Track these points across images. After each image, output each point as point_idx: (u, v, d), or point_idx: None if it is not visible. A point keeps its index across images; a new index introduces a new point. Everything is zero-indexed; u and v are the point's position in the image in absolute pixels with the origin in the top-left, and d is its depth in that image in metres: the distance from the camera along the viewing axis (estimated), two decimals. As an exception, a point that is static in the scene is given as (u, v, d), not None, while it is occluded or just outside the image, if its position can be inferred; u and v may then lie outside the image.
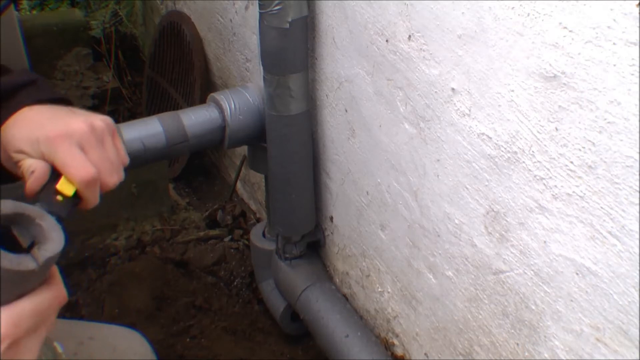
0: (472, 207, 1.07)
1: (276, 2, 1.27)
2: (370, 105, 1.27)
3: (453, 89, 1.03)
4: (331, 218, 1.58)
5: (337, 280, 1.65)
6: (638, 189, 0.77)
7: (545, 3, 0.82)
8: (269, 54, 1.35)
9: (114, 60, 2.68)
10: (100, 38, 2.72)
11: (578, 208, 0.87)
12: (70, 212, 0.72)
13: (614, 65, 0.75)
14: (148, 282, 1.85)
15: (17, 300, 0.59)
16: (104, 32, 2.74)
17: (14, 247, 0.61)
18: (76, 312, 1.80)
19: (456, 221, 1.12)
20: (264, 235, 1.75)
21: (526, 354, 1.04)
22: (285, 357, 1.73)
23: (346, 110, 1.36)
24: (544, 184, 0.91)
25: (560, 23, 0.81)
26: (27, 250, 0.61)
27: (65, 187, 0.72)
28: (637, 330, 0.83)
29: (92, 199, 0.74)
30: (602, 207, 0.83)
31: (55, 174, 0.72)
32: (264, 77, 1.40)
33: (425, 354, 1.33)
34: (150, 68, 2.46)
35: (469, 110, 1.01)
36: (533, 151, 0.91)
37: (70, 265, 1.90)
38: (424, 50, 1.07)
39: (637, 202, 0.78)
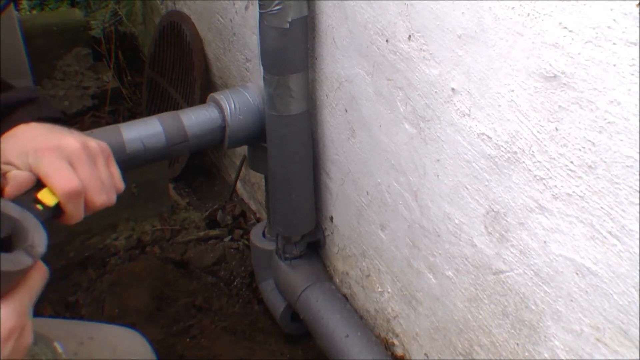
0: (472, 207, 1.07)
1: (276, 2, 1.27)
2: (370, 105, 1.27)
3: (453, 89, 1.03)
4: (331, 218, 1.58)
5: (337, 280, 1.65)
6: (638, 189, 0.77)
7: (545, 3, 0.82)
8: (269, 54, 1.35)
9: (114, 60, 2.68)
10: (100, 38, 2.72)
11: (578, 208, 0.87)
12: (47, 221, 0.69)
13: (614, 65, 0.75)
14: (148, 282, 1.85)
15: (13, 291, 0.60)
16: (104, 32, 2.74)
17: None
18: (76, 312, 1.80)
19: (456, 221, 1.12)
20: (264, 235, 1.75)
21: (526, 354, 1.04)
22: (285, 357, 1.73)
23: (346, 110, 1.36)
24: (544, 184, 0.91)
25: (560, 23, 0.81)
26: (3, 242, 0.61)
27: (47, 197, 0.70)
28: (637, 330, 0.83)
29: (75, 213, 0.72)
30: (602, 207, 0.83)
31: (39, 185, 0.71)
32: (264, 77, 1.40)
33: (425, 354, 1.33)
34: (150, 68, 2.46)
35: (469, 110, 1.01)
36: (533, 151, 0.91)
37: (70, 265, 1.90)
38: (424, 50, 1.07)
39: (637, 202, 0.78)
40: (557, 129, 0.86)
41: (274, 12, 1.28)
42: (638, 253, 0.80)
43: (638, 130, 0.75)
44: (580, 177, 0.85)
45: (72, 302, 1.82)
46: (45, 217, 0.69)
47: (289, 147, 1.46)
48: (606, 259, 0.84)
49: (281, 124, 1.43)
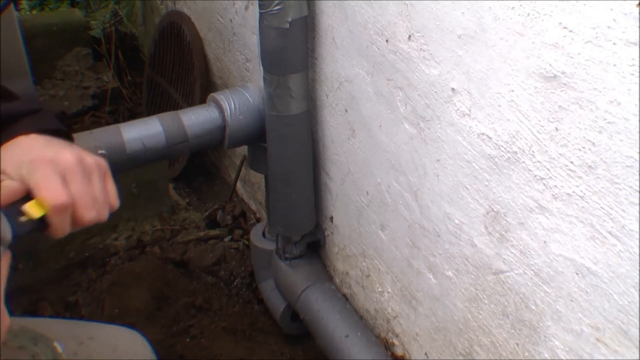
0: (472, 207, 1.07)
1: (276, 2, 1.27)
2: (370, 105, 1.27)
3: (453, 89, 1.03)
4: (331, 218, 1.58)
5: (337, 280, 1.65)
6: (638, 189, 0.77)
7: (545, 3, 0.82)
8: (269, 54, 1.35)
9: (114, 60, 2.68)
10: (100, 38, 2.72)
11: (578, 208, 0.87)
12: (29, 232, 0.70)
13: (614, 65, 0.75)
14: (148, 282, 1.85)
15: None
16: (104, 32, 2.74)
17: None
18: (76, 312, 1.80)
19: (456, 221, 1.12)
20: (264, 235, 1.75)
21: (526, 354, 1.04)
22: (285, 357, 1.73)
23: (346, 110, 1.36)
24: (544, 184, 0.91)
25: (560, 23, 0.81)
26: None
27: (34, 208, 0.69)
28: (637, 330, 0.83)
29: (60, 227, 0.72)
30: (602, 207, 0.83)
31: (29, 197, 0.71)
32: (264, 77, 1.40)
33: (425, 354, 1.33)
34: (150, 68, 2.46)
35: (469, 110, 1.01)
36: (533, 151, 0.91)
37: (70, 265, 1.90)
38: (424, 50, 1.07)
39: (637, 202, 0.78)
40: (557, 129, 0.86)
41: (274, 12, 1.28)
42: (638, 253, 0.80)
43: (638, 130, 0.75)
44: (580, 177, 0.85)
45: (72, 302, 1.82)
46: (28, 229, 0.69)
47: (289, 147, 1.46)
48: (606, 259, 0.84)
49: (281, 124, 1.43)
